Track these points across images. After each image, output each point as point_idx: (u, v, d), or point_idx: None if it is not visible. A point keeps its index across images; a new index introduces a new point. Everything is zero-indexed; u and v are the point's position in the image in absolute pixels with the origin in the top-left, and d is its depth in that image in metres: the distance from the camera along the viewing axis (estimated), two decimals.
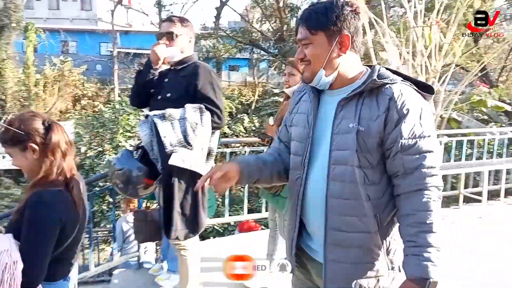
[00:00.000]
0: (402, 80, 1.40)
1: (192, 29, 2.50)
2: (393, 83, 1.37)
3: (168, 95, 2.35)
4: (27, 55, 13.70)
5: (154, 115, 2.19)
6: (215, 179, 1.43)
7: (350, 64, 1.43)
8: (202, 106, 2.27)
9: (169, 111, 2.20)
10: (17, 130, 1.56)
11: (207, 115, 2.27)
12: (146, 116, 2.22)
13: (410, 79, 1.43)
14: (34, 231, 1.50)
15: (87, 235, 6.38)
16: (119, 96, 13.72)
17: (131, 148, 2.38)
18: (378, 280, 1.40)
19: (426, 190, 1.31)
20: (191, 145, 2.20)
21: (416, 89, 1.39)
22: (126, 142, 7.74)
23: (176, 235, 2.29)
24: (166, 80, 2.42)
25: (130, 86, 13.44)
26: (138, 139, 7.40)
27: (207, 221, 2.52)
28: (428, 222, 1.28)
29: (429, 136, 1.33)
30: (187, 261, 2.46)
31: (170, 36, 2.37)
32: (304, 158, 1.49)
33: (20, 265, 1.42)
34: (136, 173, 2.10)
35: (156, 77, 2.44)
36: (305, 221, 1.50)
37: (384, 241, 1.38)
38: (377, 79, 1.37)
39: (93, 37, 19.07)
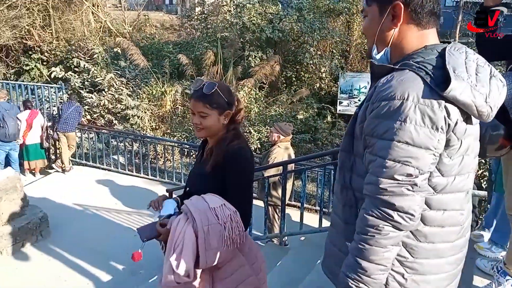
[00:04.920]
0: (417, 67, 1.10)
1: None
2: (401, 69, 1.12)
3: None
4: None
5: None
6: None
7: (406, 40, 1.20)
8: None
9: None
10: (226, 98, 1.82)
11: None
12: (511, 69, 1.95)
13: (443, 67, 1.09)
14: (244, 180, 1.79)
15: None
16: None
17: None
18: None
19: (366, 200, 1.14)
20: None
21: (428, 82, 1.07)
22: None
23: None
24: None
25: (471, 40, 12.31)
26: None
27: None
28: (355, 235, 1.15)
29: (391, 140, 1.08)
30: None
31: None
32: None
33: (237, 212, 1.59)
34: (489, 131, 1.90)
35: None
36: None
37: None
38: (376, 63, 1.22)
39: None
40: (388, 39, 1.22)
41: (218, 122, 1.82)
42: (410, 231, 1.15)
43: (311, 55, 13.20)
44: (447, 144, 1.11)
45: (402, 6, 1.17)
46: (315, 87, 13.82)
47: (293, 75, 14.09)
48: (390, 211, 1.08)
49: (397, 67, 1.14)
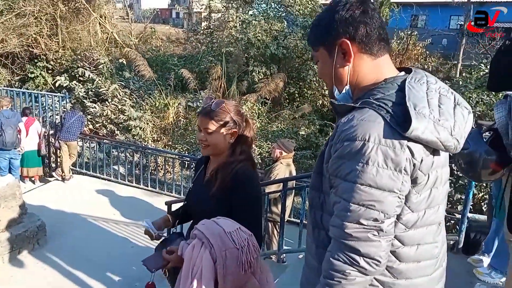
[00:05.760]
0: (377, 105, 1.07)
1: None
2: (361, 108, 1.09)
3: None
4: None
5: None
6: None
7: (362, 73, 1.18)
8: None
9: None
10: (233, 117, 1.82)
11: None
12: (506, 96, 1.99)
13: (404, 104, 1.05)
14: (252, 204, 1.79)
15: None
16: (460, 73, 12.91)
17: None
18: None
19: (332, 242, 1.12)
20: None
21: (389, 121, 1.04)
22: None
23: None
24: None
25: (474, 62, 12.40)
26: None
27: None
28: (321, 277, 1.13)
29: (354, 182, 1.05)
30: None
31: None
32: None
33: (253, 236, 1.55)
34: (483, 156, 1.94)
35: None
36: None
37: None
38: (336, 103, 1.19)
39: (444, 10, 18.43)
40: (345, 78, 1.20)
41: (224, 140, 1.82)
42: (387, 269, 1.14)
43: (315, 72, 13.29)
44: (415, 181, 1.08)
45: (348, 41, 1.15)
46: (317, 104, 13.89)
47: (296, 92, 14.18)
48: (356, 257, 1.06)
49: (357, 105, 1.11)
